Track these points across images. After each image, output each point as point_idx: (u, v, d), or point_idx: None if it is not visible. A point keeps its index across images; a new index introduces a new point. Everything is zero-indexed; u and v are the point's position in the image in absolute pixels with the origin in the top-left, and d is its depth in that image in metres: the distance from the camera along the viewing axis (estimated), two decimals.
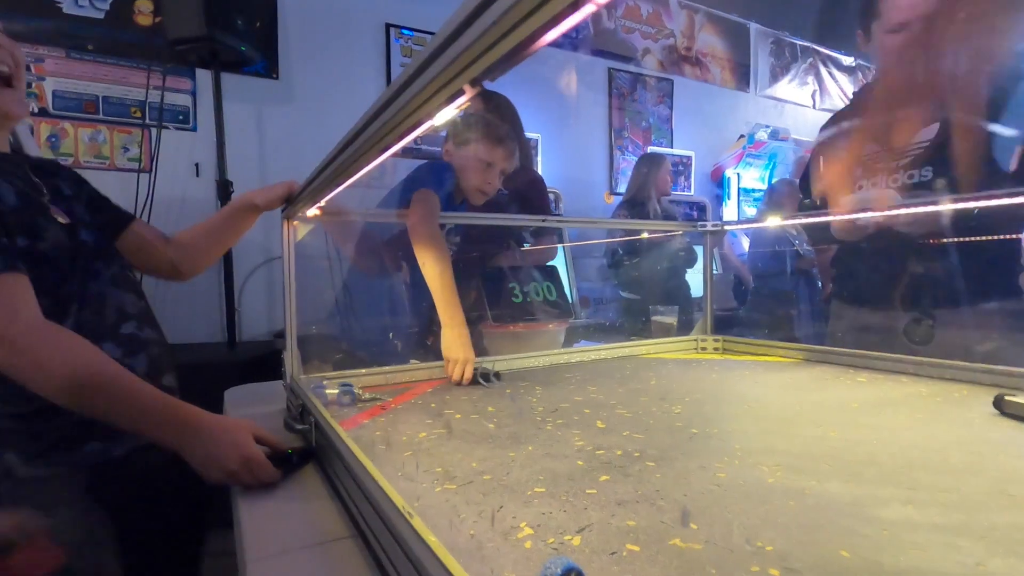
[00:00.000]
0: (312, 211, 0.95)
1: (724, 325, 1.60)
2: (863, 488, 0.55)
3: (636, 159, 3.14)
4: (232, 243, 1.14)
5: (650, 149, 3.69)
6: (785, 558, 0.42)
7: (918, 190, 1.22)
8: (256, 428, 0.67)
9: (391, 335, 1.86)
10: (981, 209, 0.97)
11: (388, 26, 2.83)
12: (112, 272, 0.81)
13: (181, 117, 2.36)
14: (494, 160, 1.52)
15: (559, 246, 2.58)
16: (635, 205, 2.77)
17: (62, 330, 0.65)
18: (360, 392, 0.95)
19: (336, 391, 0.93)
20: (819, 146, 1.50)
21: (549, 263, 1.86)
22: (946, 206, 1.09)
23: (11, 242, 0.67)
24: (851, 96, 1.46)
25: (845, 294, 1.52)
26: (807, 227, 1.77)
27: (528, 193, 1.94)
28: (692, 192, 3.88)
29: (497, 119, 1.59)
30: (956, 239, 1.19)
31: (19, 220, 0.71)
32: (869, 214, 1.22)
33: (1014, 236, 1.15)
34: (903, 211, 1.16)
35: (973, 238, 1.17)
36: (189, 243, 1.05)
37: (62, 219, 0.77)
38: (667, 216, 2.85)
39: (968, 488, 0.55)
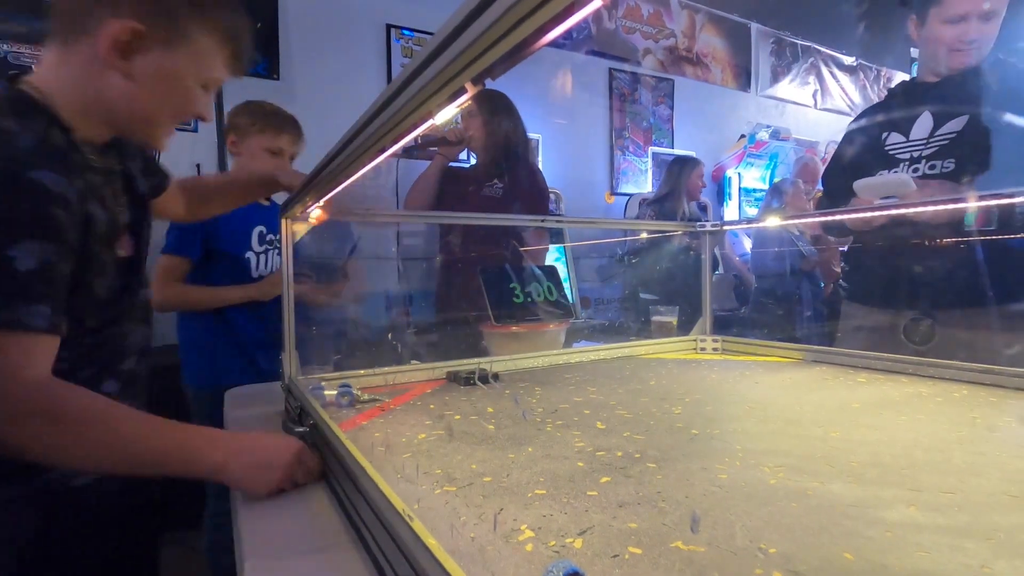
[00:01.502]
0: (312, 210, 0.95)
1: (724, 325, 1.60)
2: (866, 489, 0.55)
3: (636, 159, 3.14)
4: (233, 207, 1.12)
5: (651, 150, 3.69)
6: (789, 560, 0.42)
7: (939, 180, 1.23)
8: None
9: (389, 335, 1.86)
10: (1002, 206, 0.97)
11: (389, 27, 2.83)
12: (134, 302, 0.75)
13: None
14: (281, 147, 1.49)
15: (561, 246, 2.58)
16: (663, 205, 2.77)
17: (78, 390, 0.59)
18: (359, 393, 0.95)
19: (334, 392, 0.92)
20: (846, 138, 1.50)
21: (547, 263, 1.87)
22: (962, 204, 1.09)
23: (63, 297, 0.59)
24: (887, 91, 1.47)
25: (856, 292, 1.50)
26: (823, 223, 1.75)
27: (529, 189, 1.94)
28: None
29: (277, 107, 1.58)
30: (963, 239, 1.18)
31: (96, 258, 0.65)
32: (881, 212, 1.20)
33: None
34: (915, 209, 1.15)
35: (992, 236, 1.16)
36: (194, 190, 1.04)
37: (124, 251, 0.71)
38: (694, 219, 2.84)
39: (971, 489, 0.55)
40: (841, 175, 1.44)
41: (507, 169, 1.88)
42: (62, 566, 0.66)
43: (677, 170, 2.83)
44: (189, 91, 0.69)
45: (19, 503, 0.65)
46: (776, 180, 3.79)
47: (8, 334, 0.54)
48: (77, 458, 0.58)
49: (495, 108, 1.88)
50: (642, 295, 2.77)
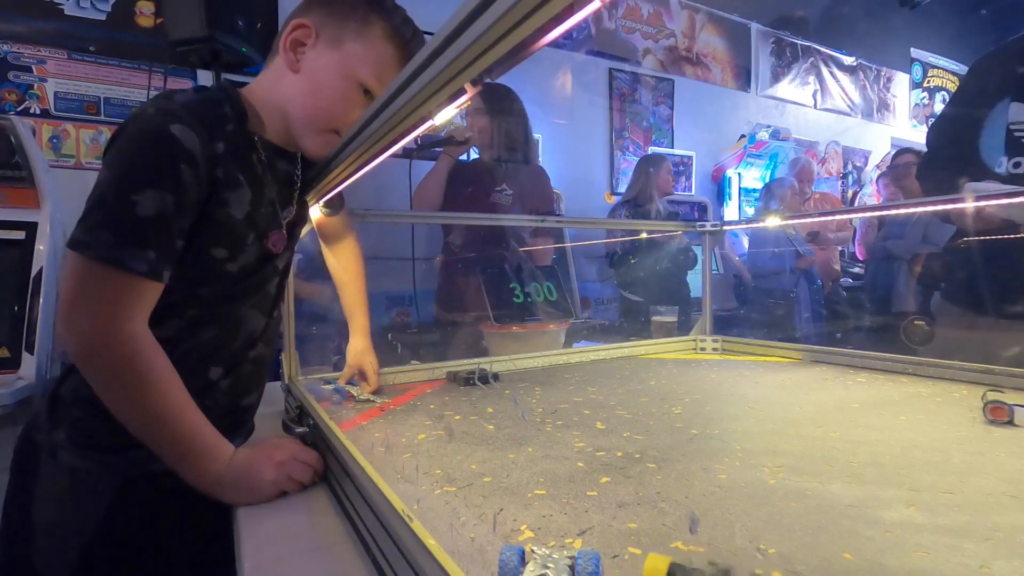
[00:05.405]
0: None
1: (724, 325, 1.59)
2: (865, 489, 0.55)
3: (636, 159, 3.14)
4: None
5: (651, 149, 3.68)
6: (789, 560, 0.42)
7: None
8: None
9: (389, 335, 1.86)
10: None
11: None
12: (263, 290, 0.77)
13: None
14: None
15: (562, 246, 2.58)
16: (637, 205, 2.77)
17: (159, 354, 0.61)
18: (357, 391, 0.96)
19: (330, 387, 0.95)
20: (954, 113, 1.11)
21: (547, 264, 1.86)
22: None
23: (175, 248, 0.62)
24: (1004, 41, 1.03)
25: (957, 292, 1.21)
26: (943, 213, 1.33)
27: (539, 196, 1.93)
28: (693, 192, 3.87)
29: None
30: None
31: (230, 233, 0.68)
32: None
33: None
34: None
35: None
36: (339, 244, 1.09)
37: (272, 247, 0.74)
38: (668, 217, 2.84)
39: (970, 489, 0.55)
40: (942, 160, 1.08)
41: (514, 168, 1.86)
42: (126, 546, 0.67)
43: (645, 169, 2.82)
44: (347, 92, 0.72)
45: (96, 475, 0.66)
46: (775, 179, 3.79)
47: (113, 271, 0.58)
48: (114, 408, 0.60)
49: (500, 105, 1.86)
50: (629, 295, 2.77)
